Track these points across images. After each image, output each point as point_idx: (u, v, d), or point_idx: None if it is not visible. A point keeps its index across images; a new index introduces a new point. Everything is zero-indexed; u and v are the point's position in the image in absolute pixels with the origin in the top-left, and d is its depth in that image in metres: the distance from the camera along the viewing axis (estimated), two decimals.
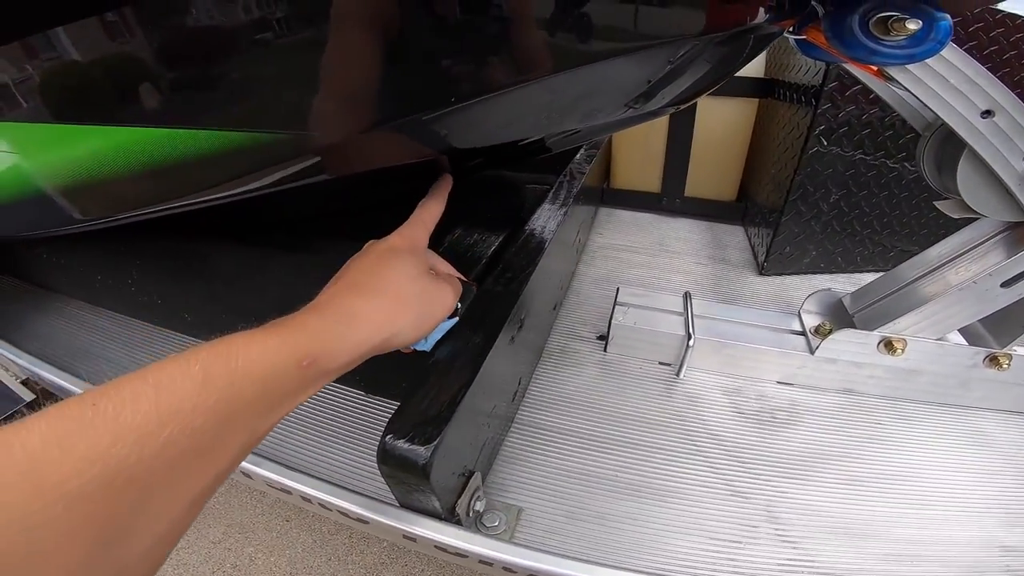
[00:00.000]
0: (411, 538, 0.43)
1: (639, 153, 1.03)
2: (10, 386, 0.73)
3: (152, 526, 0.22)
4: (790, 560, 0.44)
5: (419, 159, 0.43)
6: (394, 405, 0.56)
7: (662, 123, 0.98)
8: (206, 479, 0.25)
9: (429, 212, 0.46)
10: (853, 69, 0.57)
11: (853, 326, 0.59)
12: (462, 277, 0.47)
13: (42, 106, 0.46)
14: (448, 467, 0.38)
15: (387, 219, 0.47)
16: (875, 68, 0.45)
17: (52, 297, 0.82)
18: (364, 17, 0.35)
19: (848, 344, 0.57)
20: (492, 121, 0.42)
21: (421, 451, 0.34)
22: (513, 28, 0.36)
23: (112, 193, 0.48)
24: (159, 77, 0.40)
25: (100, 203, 0.51)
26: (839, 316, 0.63)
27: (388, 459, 0.35)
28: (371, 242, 0.42)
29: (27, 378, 0.72)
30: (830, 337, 0.57)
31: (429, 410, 0.37)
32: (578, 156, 0.85)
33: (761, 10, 0.37)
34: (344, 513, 0.46)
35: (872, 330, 0.57)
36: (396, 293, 0.37)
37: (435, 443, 0.34)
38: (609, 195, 1.08)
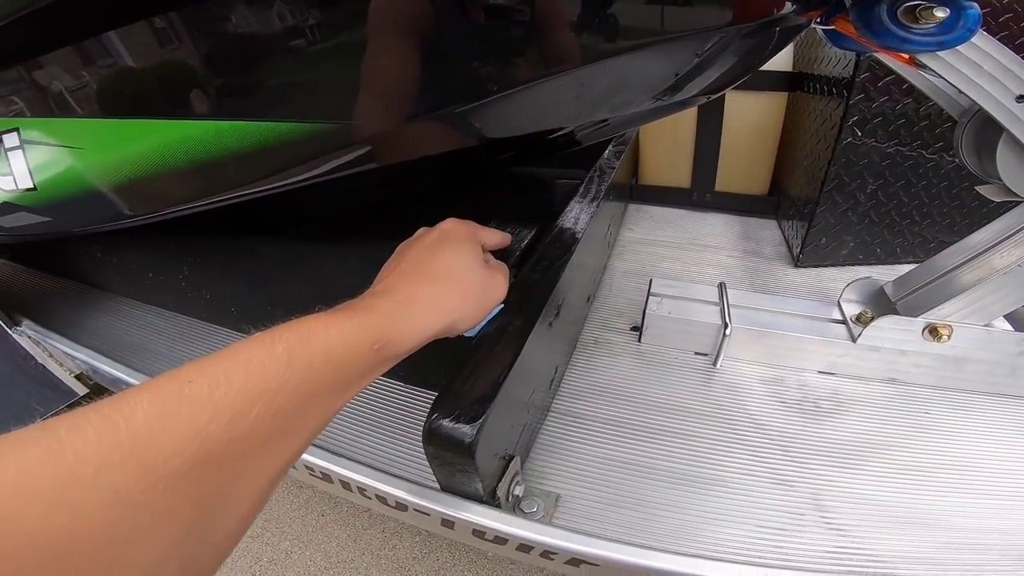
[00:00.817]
0: (450, 523, 0.43)
1: (667, 148, 1.02)
2: (64, 380, 0.76)
3: (239, 505, 0.23)
4: (839, 548, 0.43)
5: (459, 147, 0.44)
6: (431, 395, 0.57)
7: (690, 118, 0.97)
8: (284, 460, 0.25)
9: (501, 236, 0.48)
10: (885, 58, 0.56)
11: (896, 314, 0.58)
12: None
13: (101, 102, 0.48)
14: (491, 448, 0.39)
15: (427, 212, 0.48)
16: (906, 56, 0.45)
17: (106, 296, 0.85)
18: (407, 16, 0.36)
19: (892, 331, 0.56)
20: (526, 111, 0.44)
21: (467, 430, 0.35)
22: (545, 22, 0.37)
23: (168, 187, 0.50)
24: (219, 74, 0.43)
25: (155, 198, 0.53)
26: (881, 304, 0.61)
27: (434, 438, 0.36)
28: (422, 229, 0.44)
29: (81, 372, 0.75)
30: (873, 324, 0.56)
31: (472, 391, 0.38)
32: (607, 152, 0.86)
33: (788, 1, 0.38)
34: (383, 499, 0.47)
35: (915, 317, 0.55)
36: (459, 279, 0.38)
37: (480, 421, 0.35)
38: (637, 191, 1.07)
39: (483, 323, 0.43)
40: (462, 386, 0.38)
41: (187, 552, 0.20)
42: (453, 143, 0.43)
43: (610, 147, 0.88)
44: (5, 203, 0.63)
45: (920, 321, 0.55)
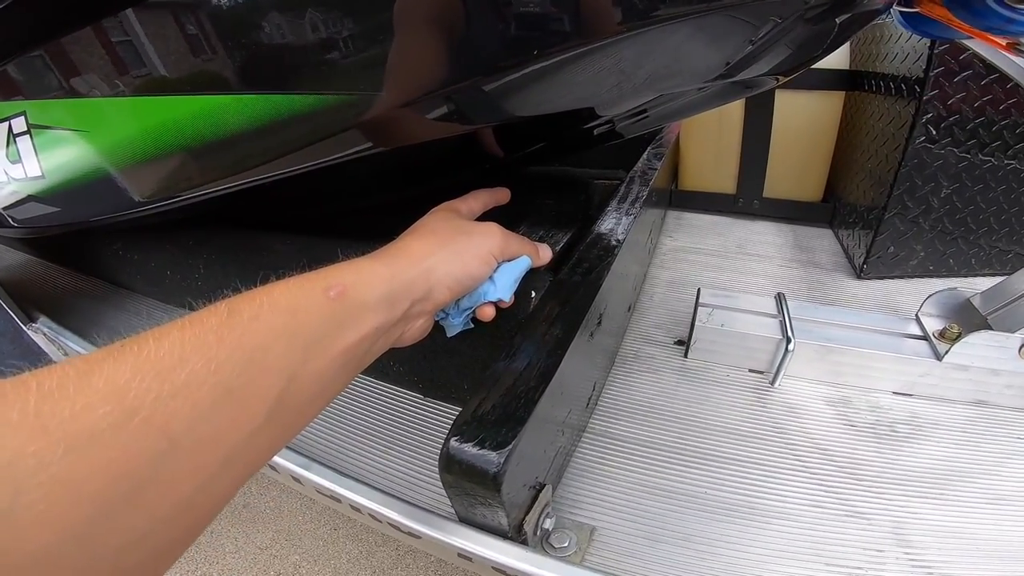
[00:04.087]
0: (467, 557, 0.38)
1: (711, 152, 0.96)
2: None
3: (177, 483, 0.19)
4: None
5: (490, 124, 0.39)
6: (454, 410, 0.52)
7: (736, 120, 0.91)
8: (239, 428, 0.22)
9: (487, 191, 0.45)
10: (976, 44, 0.51)
11: (987, 328, 0.50)
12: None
13: (103, 79, 0.45)
14: (520, 478, 0.33)
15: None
16: (1004, 42, 0.41)
17: (125, 294, 0.83)
18: None
19: (985, 348, 0.50)
20: (560, 89, 0.38)
21: (493, 457, 0.29)
22: None
23: (178, 169, 0.47)
24: (229, 45, 0.38)
25: (163, 181, 0.50)
26: (968, 318, 0.54)
27: (453, 466, 0.30)
28: None
29: None
30: (963, 340, 0.49)
31: (501, 411, 0.32)
32: (646, 154, 0.80)
33: None
34: (395, 526, 0.42)
35: (1012, 332, 0.49)
36: (426, 227, 0.37)
37: (510, 448, 0.29)
38: (677, 197, 1.02)
39: (504, 280, 0.39)
40: (489, 403, 0.32)
41: (111, 532, 0.17)
42: (483, 119, 0.38)
43: (649, 149, 0.83)
44: (16, 193, 0.61)
45: (1018, 338, 0.49)
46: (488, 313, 0.40)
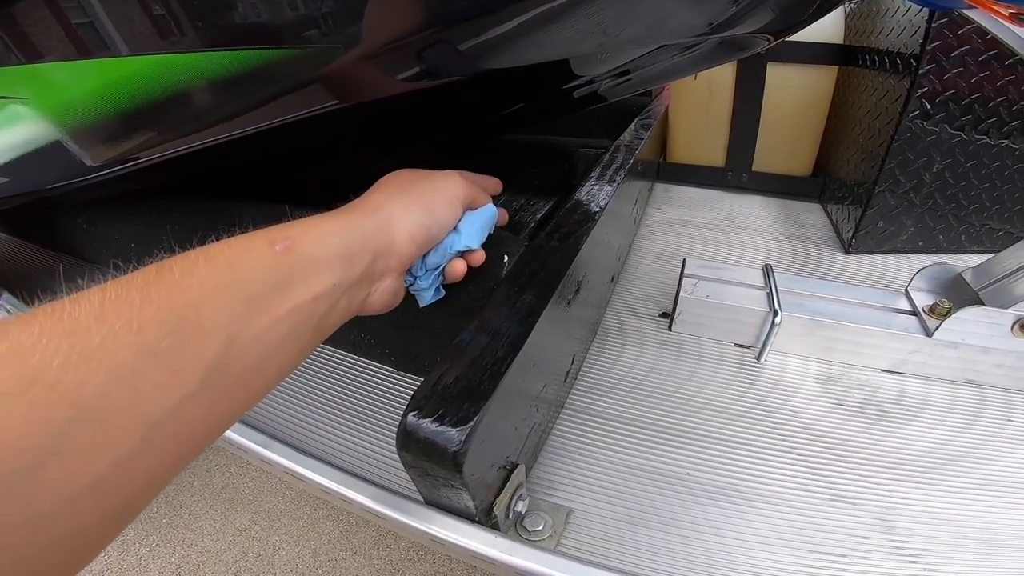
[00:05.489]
0: (439, 542, 0.36)
1: (700, 124, 0.94)
2: None
3: (87, 457, 0.17)
4: None
5: (457, 77, 0.36)
6: None
7: (726, 92, 0.89)
8: (166, 396, 0.19)
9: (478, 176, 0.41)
10: (977, 15, 0.48)
11: (979, 303, 0.49)
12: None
13: (45, 43, 0.41)
14: (486, 457, 0.30)
15: None
16: (1007, 12, 0.40)
17: (92, 269, 0.79)
18: None
19: (976, 324, 0.48)
20: (538, 38, 0.35)
21: (453, 434, 0.26)
22: None
23: (135, 128, 0.43)
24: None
25: (116, 144, 0.46)
26: (959, 294, 0.52)
27: (410, 444, 0.27)
28: None
29: None
30: (953, 316, 0.48)
31: (464, 382, 0.29)
32: (633, 124, 0.78)
33: None
34: (366, 509, 0.39)
35: (1005, 309, 0.47)
36: (385, 180, 0.35)
37: (471, 424, 0.26)
38: (665, 169, 0.99)
39: (469, 230, 0.36)
40: (452, 375, 0.30)
41: (16, 508, 0.15)
42: (451, 72, 0.35)
43: (636, 120, 0.80)
44: None
45: (1010, 314, 0.48)
46: (459, 269, 0.37)
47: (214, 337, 0.21)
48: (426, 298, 0.38)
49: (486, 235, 0.37)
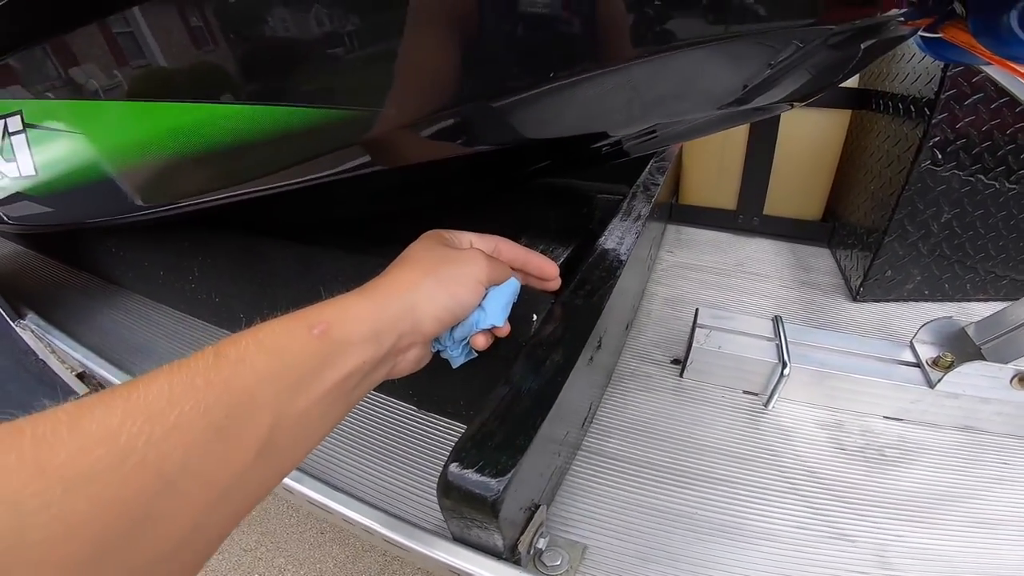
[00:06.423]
0: (457, 574, 0.38)
1: (713, 167, 0.96)
2: (64, 378, 0.72)
3: (173, 520, 0.20)
4: None
5: (493, 148, 0.39)
6: (449, 423, 0.52)
7: (740, 135, 0.91)
8: (230, 467, 0.22)
9: (500, 240, 0.42)
10: (996, 71, 0.49)
11: (981, 358, 0.51)
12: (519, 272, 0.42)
13: (104, 81, 0.44)
14: (517, 501, 0.33)
15: (455, 222, 0.43)
16: None
17: (116, 291, 0.82)
18: None
19: (977, 378, 0.50)
20: (576, 109, 0.38)
21: (492, 484, 0.29)
22: (600, 7, 0.31)
23: (176, 178, 0.46)
24: (235, 54, 0.38)
25: (159, 189, 0.49)
26: (962, 347, 0.54)
27: (451, 492, 0.30)
28: None
29: (83, 371, 0.71)
30: (955, 370, 0.50)
31: (502, 436, 0.32)
32: (649, 168, 0.80)
33: (897, 6, 0.32)
34: (388, 540, 0.42)
35: (1005, 363, 0.49)
36: (411, 259, 0.36)
37: (509, 476, 0.29)
38: (678, 211, 1.01)
39: (494, 306, 0.38)
40: (489, 429, 0.32)
41: (110, 569, 0.18)
42: (489, 142, 0.38)
43: (652, 162, 0.82)
44: (9, 190, 0.60)
45: (1010, 369, 0.50)
46: (481, 343, 0.39)
47: (266, 417, 0.24)
48: (457, 362, 0.40)
49: (510, 310, 0.39)
